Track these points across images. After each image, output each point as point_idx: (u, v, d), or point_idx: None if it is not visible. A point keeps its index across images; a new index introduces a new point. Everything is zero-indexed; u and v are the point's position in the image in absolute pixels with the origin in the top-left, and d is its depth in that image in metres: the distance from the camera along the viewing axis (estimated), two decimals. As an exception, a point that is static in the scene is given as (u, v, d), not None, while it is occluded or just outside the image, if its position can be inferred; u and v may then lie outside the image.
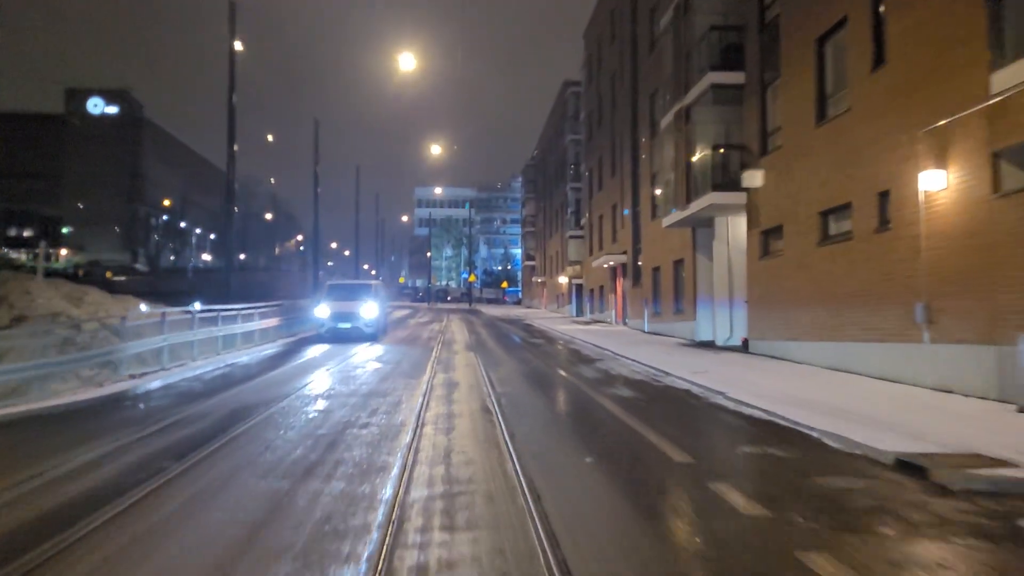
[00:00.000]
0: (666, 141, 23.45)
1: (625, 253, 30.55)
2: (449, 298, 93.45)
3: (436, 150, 54.91)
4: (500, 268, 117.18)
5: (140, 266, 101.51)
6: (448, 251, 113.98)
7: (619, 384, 12.87)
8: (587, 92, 40.96)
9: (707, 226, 20.68)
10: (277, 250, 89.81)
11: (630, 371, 14.89)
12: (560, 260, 49.69)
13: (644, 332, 26.73)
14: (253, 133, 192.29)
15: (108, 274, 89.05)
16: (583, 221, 41.72)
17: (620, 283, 31.80)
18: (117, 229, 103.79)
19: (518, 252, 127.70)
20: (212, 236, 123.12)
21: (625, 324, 31.12)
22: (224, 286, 24.23)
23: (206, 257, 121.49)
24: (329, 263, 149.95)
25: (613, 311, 33.45)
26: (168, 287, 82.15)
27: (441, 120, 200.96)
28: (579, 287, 45.62)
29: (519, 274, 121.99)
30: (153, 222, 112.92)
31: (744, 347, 18.29)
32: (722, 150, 18.54)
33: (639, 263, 29.09)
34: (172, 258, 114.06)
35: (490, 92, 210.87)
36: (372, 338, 21.94)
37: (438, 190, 67.66)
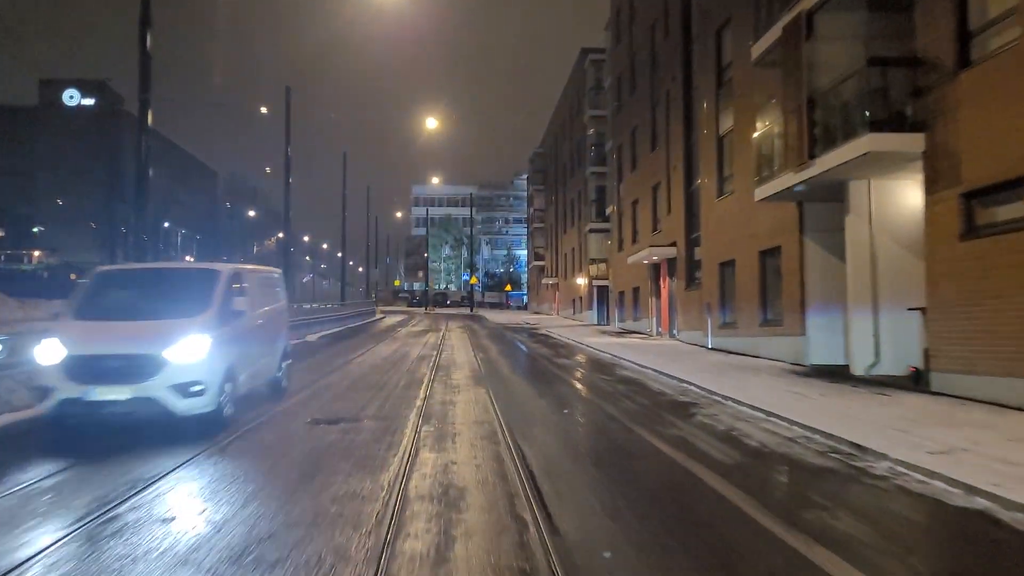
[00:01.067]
0: (752, 85, 16.67)
1: (674, 245, 23.72)
2: (449, 302, 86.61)
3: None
4: (503, 270, 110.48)
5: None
6: (447, 251, 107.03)
7: (820, 497, 5.79)
8: (614, 55, 34.17)
9: (828, 198, 13.87)
10: (256, 248, 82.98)
11: (781, 440, 8.03)
12: (577, 258, 42.88)
13: (707, 349, 19.89)
14: (248, 128, 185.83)
15: (72, 276, 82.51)
16: (609, 211, 34.88)
17: (665, 283, 24.97)
18: (93, 225, 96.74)
19: (523, 254, 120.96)
20: (199, 237, 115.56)
21: (673, 336, 24.28)
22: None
23: (190, 259, 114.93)
24: (323, 266, 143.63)
25: (654, 319, 26.60)
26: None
27: (442, 115, 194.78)
28: (601, 289, 38.83)
29: (523, 277, 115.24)
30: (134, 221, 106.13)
31: (916, 380, 11.47)
32: (881, 69, 11.73)
33: (695, 257, 22.29)
34: (152, 258, 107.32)
35: (491, 91, 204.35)
36: (211, 427, 8.05)
37: (435, 180, 61.27)
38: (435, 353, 19.70)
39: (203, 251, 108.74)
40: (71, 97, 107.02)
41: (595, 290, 38.99)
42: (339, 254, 51.54)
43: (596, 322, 38.85)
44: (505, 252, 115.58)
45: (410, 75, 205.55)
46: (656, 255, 24.51)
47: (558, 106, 51.14)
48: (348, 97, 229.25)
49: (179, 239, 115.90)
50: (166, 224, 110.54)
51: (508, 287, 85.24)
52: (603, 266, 36.47)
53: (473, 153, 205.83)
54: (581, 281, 41.22)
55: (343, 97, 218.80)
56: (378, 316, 52.22)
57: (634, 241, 29.71)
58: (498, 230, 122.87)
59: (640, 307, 28.63)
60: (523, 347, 22.84)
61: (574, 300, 44.33)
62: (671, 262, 24.58)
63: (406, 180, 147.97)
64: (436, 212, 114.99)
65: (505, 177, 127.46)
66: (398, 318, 50.81)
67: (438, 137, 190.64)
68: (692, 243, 22.64)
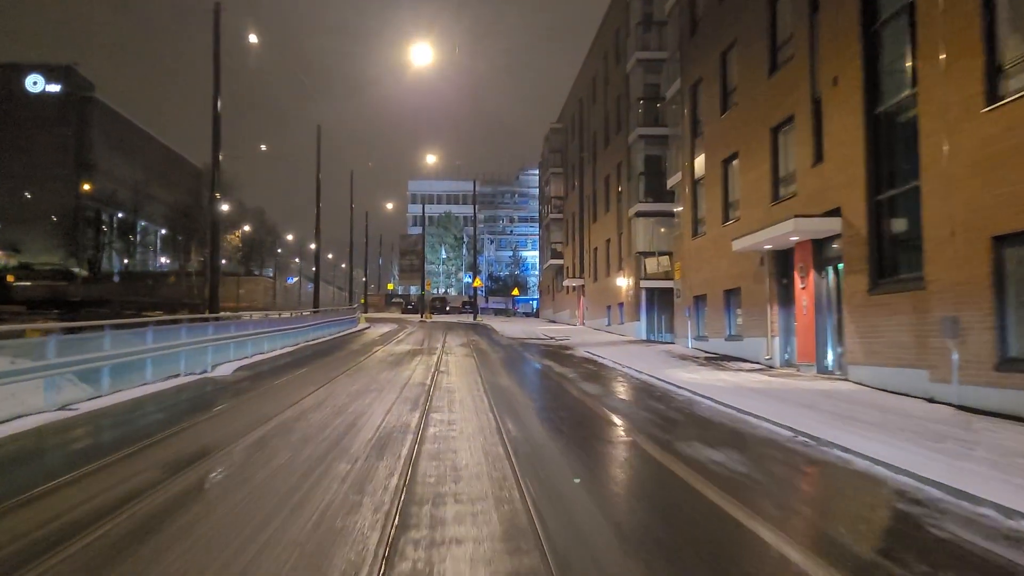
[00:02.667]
0: None
1: (836, 214, 13.59)
2: (448, 308, 76.49)
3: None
4: (508, 273, 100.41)
5: (81, 270, 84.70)
6: (446, 252, 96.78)
7: None
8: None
9: None
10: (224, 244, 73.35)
11: None
12: (615, 253, 32.81)
13: (963, 409, 9.84)
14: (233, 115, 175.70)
15: (10, 278, 72.52)
16: (674, 181, 24.78)
17: (808, 283, 14.83)
18: (54, 218, 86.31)
19: (531, 255, 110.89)
20: (179, 237, 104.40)
21: (830, 373, 14.20)
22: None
23: (165, 260, 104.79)
24: (313, 269, 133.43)
25: (777, 340, 16.47)
26: (89, 294, 65.55)
27: (442, 110, 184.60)
28: (654, 293, 28.80)
29: (530, 279, 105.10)
30: (105, 219, 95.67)
31: None
32: None
33: (892, 232, 12.22)
34: (125, 261, 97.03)
35: (495, 87, 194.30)
36: None
37: (432, 158, 51.53)
38: (416, 418, 9.63)
39: (183, 252, 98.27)
40: (34, 83, 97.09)
41: (644, 294, 28.91)
42: (313, 246, 41.83)
43: (645, 337, 28.79)
44: (510, 253, 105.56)
45: (409, 66, 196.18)
46: (795, 235, 14.37)
47: (586, 63, 41.10)
48: (343, 87, 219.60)
49: (157, 239, 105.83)
50: (143, 222, 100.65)
51: (515, 291, 75.10)
52: (664, 260, 26.36)
53: (475, 148, 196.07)
54: (622, 282, 31.12)
55: (339, 89, 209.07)
56: (360, 327, 42.09)
57: (726, 219, 19.63)
58: (502, 229, 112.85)
59: (743, 318, 18.49)
60: (573, 390, 12.79)
61: (609, 307, 34.20)
62: (820, 245, 14.52)
63: (403, 176, 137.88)
64: (435, 210, 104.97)
65: (509, 172, 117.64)
66: (384, 329, 40.74)
67: (440, 133, 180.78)
68: (880, 209, 12.55)
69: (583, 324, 40.26)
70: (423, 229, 71.19)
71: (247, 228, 73.00)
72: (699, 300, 22.17)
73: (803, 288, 15.08)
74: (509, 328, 39.26)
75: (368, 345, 26.84)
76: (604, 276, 35.00)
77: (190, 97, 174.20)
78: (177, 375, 14.40)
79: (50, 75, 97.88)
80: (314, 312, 35.24)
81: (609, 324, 33.98)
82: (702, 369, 16.17)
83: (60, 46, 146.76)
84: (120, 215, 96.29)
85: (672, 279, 26.04)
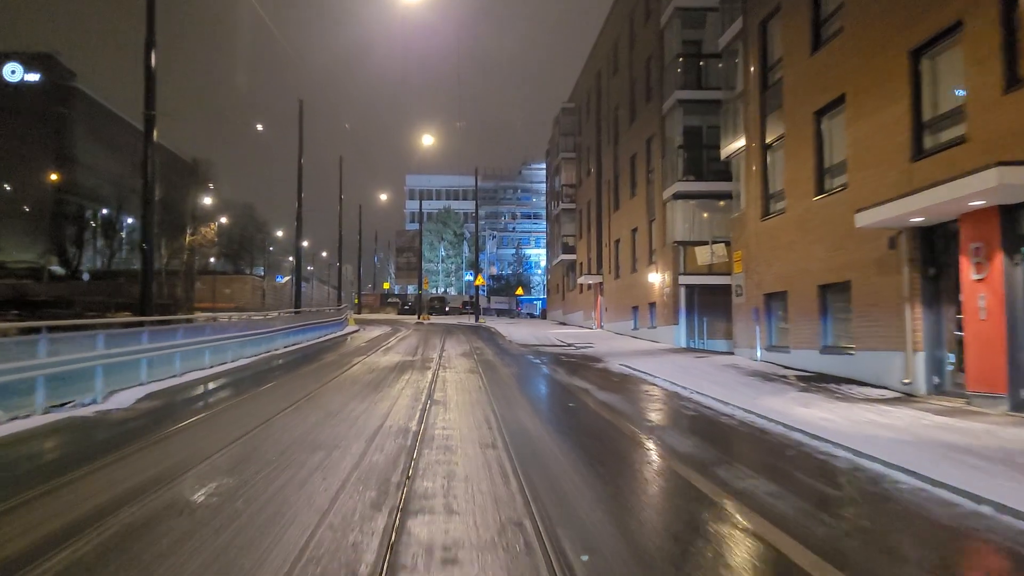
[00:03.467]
0: None
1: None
2: (448, 308, 71.46)
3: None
4: (511, 271, 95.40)
5: (59, 268, 79.61)
6: (445, 249, 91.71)
7: None
8: None
9: None
10: (187, 239, 67.68)
11: None
12: (644, 244, 27.76)
13: None
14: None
15: (-29, 282, 67.47)
16: (730, 151, 19.69)
17: (993, 272, 9.77)
18: (25, 209, 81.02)
19: (535, 253, 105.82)
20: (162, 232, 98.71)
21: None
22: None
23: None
24: (309, 268, 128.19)
25: (920, 356, 11.38)
26: (55, 293, 60.45)
27: (440, 103, 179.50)
28: (692, 291, 23.77)
29: (534, 278, 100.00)
30: (88, 215, 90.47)
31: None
32: None
33: None
34: (106, 258, 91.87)
35: (497, 78, 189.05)
36: None
37: (430, 139, 46.45)
38: (376, 536, 4.59)
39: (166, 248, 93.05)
40: (12, 72, 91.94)
41: (683, 292, 23.86)
42: (324, 253, 36.86)
43: (685, 344, 23.74)
44: (513, 251, 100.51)
45: (407, 55, 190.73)
46: (1007, 189, 9.19)
47: (603, 32, 36.03)
48: (339, 77, 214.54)
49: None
50: (129, 219, 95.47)
51: (520, 291, 70.03)
52: (720, 249, 21.22)
53: (475, 145, 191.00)
54: (655, 278, 26.05)
55: (330, 76, 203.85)
56: (347, 330, 37.11)
57: (822, 190, 14.58)
58: (504, 226, 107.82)
59: (856, 324, 13.39)
60: (641, 438, 7.77)
61: (635, 308, 29.13)
62: (1012, 214, 9.45)
63: (400, 171, 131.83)
64: (434, 206, 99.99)
65: (512, 167, 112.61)
66: (375, 332, 35.79)
67: (439, 123, 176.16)
68: None
69: (601, 327, 35.21)
70: (420, 225, 66.14)
71: (224, 221, 67.75)
72: (772, 299, 17.09)
73: (980, 280, 10.00)
74: (517, 332, 34.23)
75: (349, 355, 21.87)
76: (629, 272, 29.95)
77: (179, 87, 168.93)
78: (70, 402, 9.54)
79: (29, 63, 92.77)
80: (295, 313, 30.22)
81: (636, 328, 28.92)
82: (813, 398, 11.12)
83: (41, 34, 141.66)
84: (104, 211, 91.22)
85: (722, 273, 20.98)
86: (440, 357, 20.20)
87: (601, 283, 35.19)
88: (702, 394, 11.95)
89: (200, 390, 13.10)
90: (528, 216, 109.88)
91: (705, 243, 22.02)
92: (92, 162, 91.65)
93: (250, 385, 13.99)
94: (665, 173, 24.98)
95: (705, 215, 23.81)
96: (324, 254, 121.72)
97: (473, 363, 18.46)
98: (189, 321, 20.06)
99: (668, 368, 16.15)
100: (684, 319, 24.02)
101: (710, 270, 22.41)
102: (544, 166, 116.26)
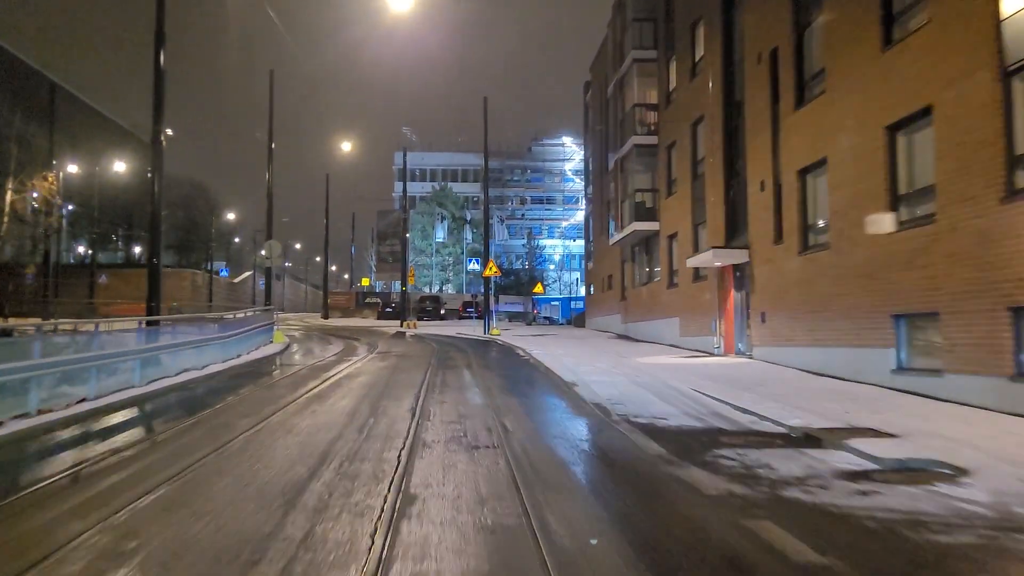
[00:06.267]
0: None
1: None
2: (443, 312, 54.21)
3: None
4: (523, 265, 78.18)
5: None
6: (443, 234, 74.01)
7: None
8: None
9: None
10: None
11: None
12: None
13: None
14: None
15: None
16: None
17: None
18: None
19: (550, 244, 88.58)
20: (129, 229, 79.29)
21: None
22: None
23: (83, 250, 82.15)
24: (287, 264, 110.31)
25: None
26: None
27: (437, 70, 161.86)
28: None
29: (549, 275, 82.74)
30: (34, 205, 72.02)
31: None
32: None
33: None
34: (58, 253, 73.79)
35: (503, 46, 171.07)
36: None
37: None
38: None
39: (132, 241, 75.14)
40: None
41: None
42: (268, 223, 20.98)
43: None
44: (523, 242, 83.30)
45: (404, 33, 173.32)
46: None
47: None
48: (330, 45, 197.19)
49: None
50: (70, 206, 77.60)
51: (539, 288, 52.83)
52: None
53: (476, 115, 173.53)
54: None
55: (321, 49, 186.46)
56: (258, 353, 19.94)
57: None
58: (511, 212, 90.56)
59: None
60: None
61: (902, 319, 11.69)
62: None
63: (390, 149, 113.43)
64: (427, 188, 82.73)
65: (520, 144, 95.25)
66: (295, 362, 18.57)
67: (432, 97, 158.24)
68: None
69: (747, 354, 18.00)
70: (404, 197, 48.90)
71: (75, 169, 48.89)
72: None
73: None
74: (574, 361, 17.02)
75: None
76: (847, 235, 12.70)
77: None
78: None
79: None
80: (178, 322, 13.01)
81: (902, 367, 11.64)
82: None
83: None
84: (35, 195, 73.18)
85: None
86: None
87: (745, 266, 17.90)
88: None
89: None
90: (539, 201, 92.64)
91: None
92: (42, 146, 73.86)
93: None
94: None
95: None
96: (298, 246, 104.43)
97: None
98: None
99: None
100: None
101: None
102: (559, 142, 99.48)
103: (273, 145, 29.25)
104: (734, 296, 18.77)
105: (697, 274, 21.25)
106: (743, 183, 18.19)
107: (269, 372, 16.59)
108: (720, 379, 13.31)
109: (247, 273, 79.29)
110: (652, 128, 25.83)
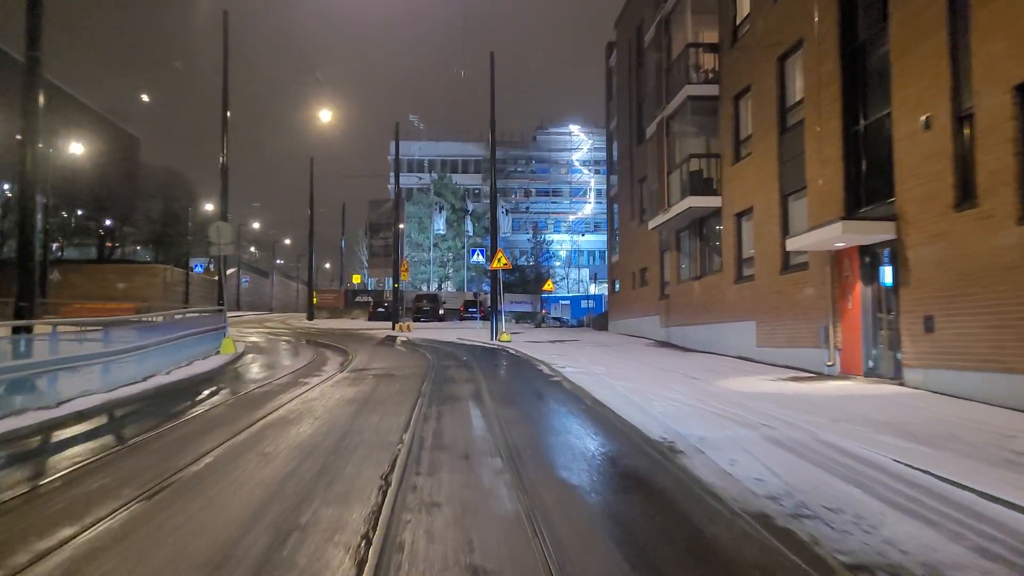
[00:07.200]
0: None
1: None
2: (442, 312, 48.50)
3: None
4: (528, 262, 72.38)
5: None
6: (440, 226, 68.11)
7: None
8: None
9: None
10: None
11: None
12: None
13: None
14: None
15: None
16: None
17: None
18: None
19: (558, 239, 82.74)
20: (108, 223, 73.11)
21: None
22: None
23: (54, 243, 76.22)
24: (279, 261, 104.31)
25: None
26: None
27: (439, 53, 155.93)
28: None
29: (557, 271, 76.97)
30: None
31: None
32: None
33: None
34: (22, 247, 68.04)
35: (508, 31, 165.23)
36: None
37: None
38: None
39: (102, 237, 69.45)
40: None
41: None
42: (223, 200, 15.27)
43: None
44: (528, 236, 77.56)
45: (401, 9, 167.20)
46: None
47: None
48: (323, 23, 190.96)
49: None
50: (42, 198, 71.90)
51: (549, 285, 47.06)
52: None
53: (480, 103, 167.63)
54: None
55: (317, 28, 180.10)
56: (173, 378, 13.89)
57: None
58: (515, 205, 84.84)
59: None
60: None
61: None
62: None
63: (385, 139, 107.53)
64: (425, 180, 76.97)
65: (524, 133, 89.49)
66: (242, 389, 12.61)
67: (430, 81, 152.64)
68: None
69: (879, 373, 12.27)
70: (397, 192, 43.20)
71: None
72: None
73: None
74: (658, 401, 11.28)
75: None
76: None
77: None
78: None
79: None
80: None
81: None
82: None
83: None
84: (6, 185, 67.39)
85: None
86: None
87: (886, 245, 12.14)
88: None
89: None
90: (545, 193, 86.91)
91: None
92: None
93: None
94: None
95: None
96: (288, 241, 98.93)
97: None
98: None
99: None
100: None
101: None
102: (566, 130, 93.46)
103: (228, 113, 23.47)
104: (860, 291, 12.99)
105: (788, 262, 15.47)
106: (880, 127, 12.41)
107: (166, 411, 10.84)
108: (904, 432, 7.56)
109: (231, 270, 73.44)
110: (710, 76, 20.02)
